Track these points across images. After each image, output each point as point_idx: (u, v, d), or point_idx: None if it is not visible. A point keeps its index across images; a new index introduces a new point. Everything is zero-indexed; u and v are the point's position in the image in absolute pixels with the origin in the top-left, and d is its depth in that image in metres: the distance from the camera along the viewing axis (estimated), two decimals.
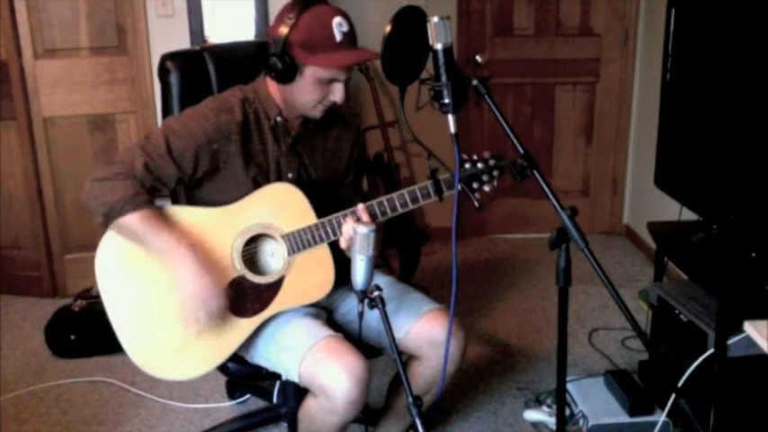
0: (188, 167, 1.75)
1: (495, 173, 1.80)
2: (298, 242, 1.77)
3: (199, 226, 1.76)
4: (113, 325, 1.74)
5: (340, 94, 1.78)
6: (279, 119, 1.84)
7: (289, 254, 1.78)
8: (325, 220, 1.77)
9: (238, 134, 1.79)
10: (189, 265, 1.67)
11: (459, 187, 1.77)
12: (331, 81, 1.76)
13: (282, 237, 1.77)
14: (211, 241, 1.75)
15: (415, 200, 1.79)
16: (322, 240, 1.78)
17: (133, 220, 1.67)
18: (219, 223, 1.77)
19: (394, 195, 1.79)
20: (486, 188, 1.81)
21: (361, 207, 1.77)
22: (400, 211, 1.79)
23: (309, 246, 1.78)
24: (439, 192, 1.77)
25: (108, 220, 1.67)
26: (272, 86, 1.84)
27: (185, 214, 1.76)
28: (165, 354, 1.75)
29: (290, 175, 1.87)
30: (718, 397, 2.07)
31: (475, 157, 1.80)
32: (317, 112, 1.81)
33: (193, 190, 1.85)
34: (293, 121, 1.87)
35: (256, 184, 1.82)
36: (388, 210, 1.79)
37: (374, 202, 1.79)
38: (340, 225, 1.76)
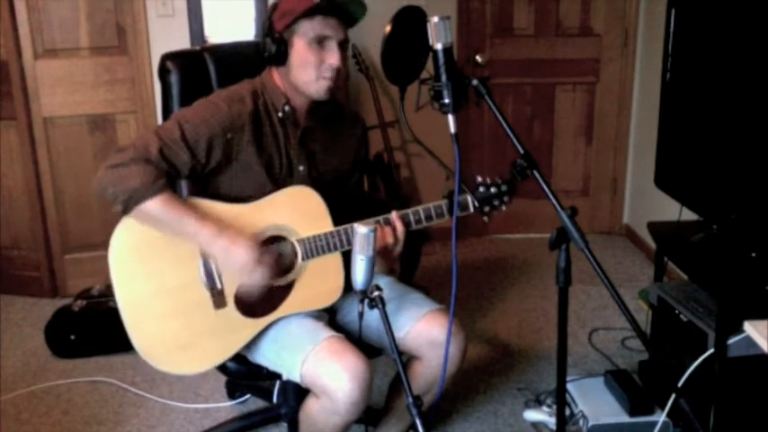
0: (201, 155, 1.75)
1: (506, 198, 1.86)
2: (312, 248, 1.77)
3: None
4: (122, 315, 1.73)
5: (335, 56, 1.76)
6: (287, 108, 1.84)
7: (302, 259, 1.78)
8: (341, 228, 1.78)
9: (250, 124, 1.79)
10: (222, 241, 1.68)
11: (472, 209, 1.83)
12: (322, 41, 1.76)
13: (298, 241, 1.78)
14: None
15: (429, 218, 1.82)
16: (336, 249, 1.78)
17: (155, 205, 1.66)
18: (237, 221, 1.76)
19: (409, 211, 1.81)
20: (496, 212, 1.86)
21: (395, 215, 1.80)
22: (413, 227, 1.82)
23: (323, 253, 1.78)
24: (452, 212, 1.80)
25: (129, 206, 1.66)
26: (277, 76, 1.85)
27: (205, 208, 1.76)
28: (172, 347, 1.75)
29: (300, 168, 1.88)
30: (718, 397, 2.07)
31: (488, 181, 1.84)
32: (320, 88, 1.79)
33: (206, 182, 1.85)
34: (301, 110, 1.87)
35: (271, 177, 1.82)
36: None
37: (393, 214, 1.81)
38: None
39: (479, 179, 1.84)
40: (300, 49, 1.76)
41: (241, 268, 1.69)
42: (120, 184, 1.65)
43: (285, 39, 1.77)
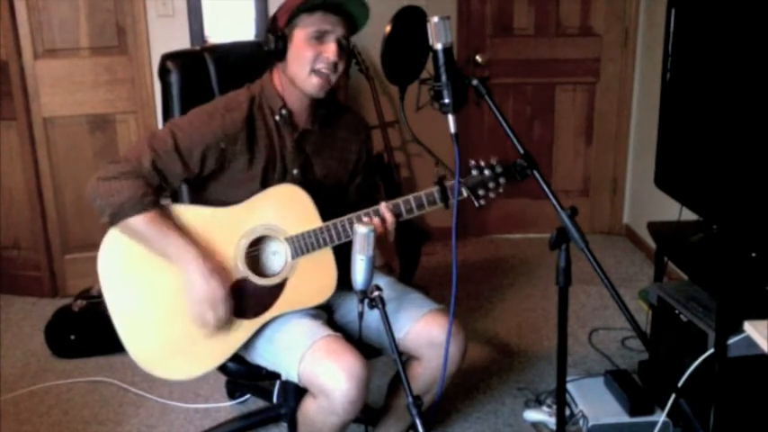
0: (194, 166, 1.76)
1: (502, 180, 1.78)
2: (302, 245, 1.77)
3: (204, 226, 1.76)
4: (115, 323, 1.74)
5: (332, 49, 1.76)
6: (284, 111, 1.84)
7: (292, 257, 1.78)
8: (329, 223, 1.77)
9: (244, 131, 1.79)
10: (196, 269, 1.68)
11: (466, 194, 1.78)
12: (321, 37, 1.76)
13: (287, 239, 1.77)
14: (215, 242, 1.75)
15: (420, 206, 1.79)
16: (326, 244, 1.78)
17: (141, 222, 1.67)
18: (224, 224, 1.77)
19: (400, 201, 1.79)
20: (492, 195, 1.79)
21: (384, 206, 1.77)
22: (405, 216, 1.79)
23: (313, 249, 1.77)
24: (445, 199, 1.77)
25: (114, 219, 1.68)
26: (277, 77, 1.86)
27: (190, 215, 1.76)
28: (166, 353, 1.76)
29: (294, 171, 1.87)
30: (718, 397, 2.07)
31: (482, 163, 1.78)
32: (314, 83, 1.78)
33: (199, 189, 1.85)
34: (300, 113, 1.87)
35: (264, 181, 1.82)
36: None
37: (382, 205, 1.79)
38: (345, 229, 1.76)
39: (473, 162, 1.78)
40: (299, 42, 1.77)
41: (204, 300, 1.69)
42: (108, 198, 1.67)
43: (286, 34, 1.78)
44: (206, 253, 1.71)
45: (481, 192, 1.78)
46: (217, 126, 1.76)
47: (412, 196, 1.79)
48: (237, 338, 1.78)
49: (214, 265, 1.71)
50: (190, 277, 1.69)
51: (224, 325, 1.74)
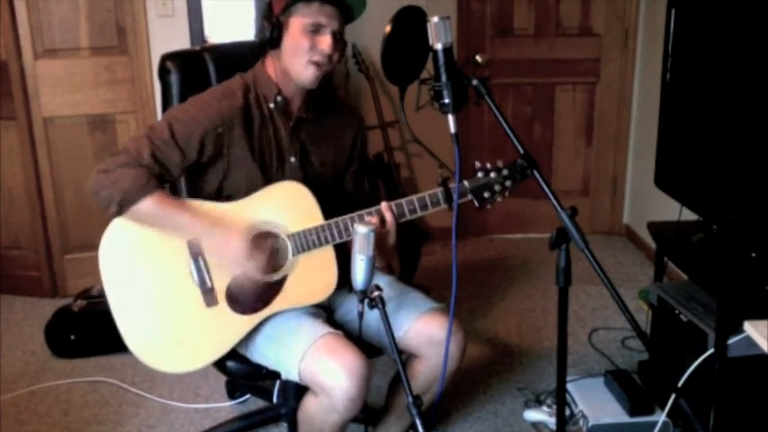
0: (192, 154, 1.76)
1: (508, 183, 1.77)
2: (303, 242, 1.77)
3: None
4: (115, 316, 1.74)
5: (328, 42, 1.77)
6: (279, 99, 1.84)
7: (293, 254, 1.78)
8: (332, 221, 1.77)
9: (241, 119, 1.80)
10: (214, 234, 1.71)
11: (470, 197, 1.77)
12: (317, 29, 1.76)
13: (288, 236, 1.77)
14: None
15: (424, 207, 1.79)
16: (327, 242, 1.78)
17: (149, 204, 1.68)
18: (226, 219, 1.77)
19: (403, 201, 1.79)
20: (498, 199, 1.78)
21: (384, 205, 1.77)
22: (408, 217, 1.79)
23: (314, 247, 1.78)
24: (448, 200, 1.76)
25: (123, 207, 1.68)
26: (270, 66, 1.86)
27: (195, 207, 1.77)
28: (164, 346, 1.76)
29: (292, 159, 1.88)
30: (718, 397, 2.07)
31: (488, 166, 1.78)
32: (309, 75, 1.79)
33: (197, 179, 1.86)
34: (294, 101, 1.87)
35: (263, 171, 1.83)
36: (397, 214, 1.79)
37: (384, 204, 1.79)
38: (347, 227, 1.76)
39: (478, 164, 1.78)
40: (295, 33, 1.77)
41: (233, 261, 1.71)
42: (113, 187, 1.67)
43: (281, 22, 1.78)
44: (215, 218, 1.74)
45: (486, 194, 1.77)
46: (214, 112, 1.77)
47: (415, 197, 1.79)
48: (236, 333, 1.78)
49: (227, 223, 1.73)
50: (211, 246, 1.72)
51: (268, 269, 1.74)
